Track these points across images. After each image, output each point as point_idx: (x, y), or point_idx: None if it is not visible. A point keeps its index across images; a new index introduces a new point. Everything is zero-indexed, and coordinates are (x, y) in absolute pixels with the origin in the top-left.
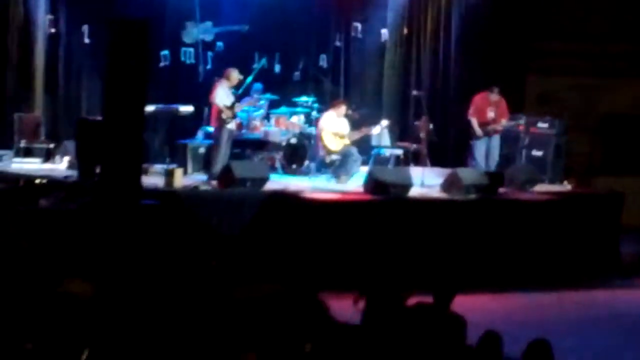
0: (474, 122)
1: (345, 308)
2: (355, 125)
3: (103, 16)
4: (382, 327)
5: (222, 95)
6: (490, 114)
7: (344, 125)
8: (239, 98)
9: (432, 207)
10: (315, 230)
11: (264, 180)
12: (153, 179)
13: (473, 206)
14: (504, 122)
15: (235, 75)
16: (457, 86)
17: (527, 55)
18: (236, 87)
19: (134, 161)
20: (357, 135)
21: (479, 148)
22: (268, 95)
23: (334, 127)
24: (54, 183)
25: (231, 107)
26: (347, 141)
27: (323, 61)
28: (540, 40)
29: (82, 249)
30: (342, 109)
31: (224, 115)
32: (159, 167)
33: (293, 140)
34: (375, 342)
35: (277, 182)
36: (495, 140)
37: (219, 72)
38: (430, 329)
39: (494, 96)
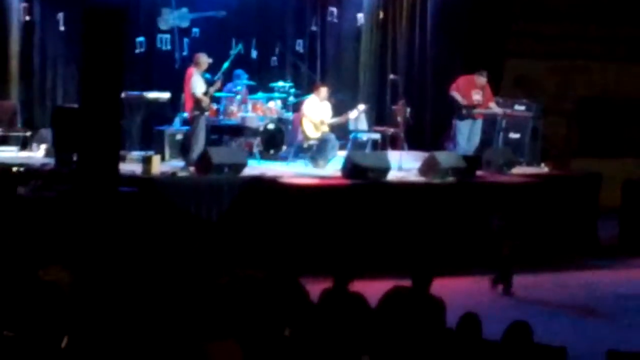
0: (457, 96)
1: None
2: (333, 109)
3: (78, 3)
4: (360, 312)
5: (197, 84)
6: (477, 97)
7: (327, 109)
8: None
9: (410, 190)
10: (293, 215)
11: (242, 166)
12: (130, 166)
13: (451, 189)
14: (492, 105)
15: (204, 59)
16: (433, 69)
17: (505, 38)
18: (207, 71)
19: (112, 148)
20: (337, 121)
21: (462, 130)
22: (245, 81)
23: (316, 115)
24: (31, 171)
25: (207, 93)
26: (326, 129)
27: (299, 46)
28: (517, 23)
29: (60, 236)
30: (323, 91)
31: (203, 104)
32: (136, 154)
33: (270, 126)
34: (355, 326)
35: (255, 167)
36: (478, 123)
37: None
38: (410, 312)
39: (482, 80)
